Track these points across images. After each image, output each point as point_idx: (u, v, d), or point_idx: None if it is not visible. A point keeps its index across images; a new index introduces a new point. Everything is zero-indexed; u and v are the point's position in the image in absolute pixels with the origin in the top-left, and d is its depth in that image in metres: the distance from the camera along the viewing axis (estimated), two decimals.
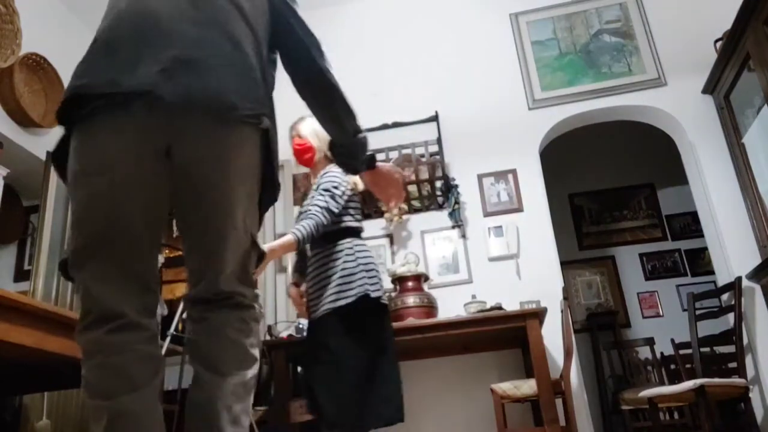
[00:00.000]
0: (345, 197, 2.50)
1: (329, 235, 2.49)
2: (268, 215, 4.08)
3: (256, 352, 1.31)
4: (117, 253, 1.17)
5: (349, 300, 2.36)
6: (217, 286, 1.26)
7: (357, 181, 2.50)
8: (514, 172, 3.90)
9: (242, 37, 1.30)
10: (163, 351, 2.73)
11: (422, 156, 3.98)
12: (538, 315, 3.00)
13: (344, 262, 2.43)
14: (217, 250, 1.24)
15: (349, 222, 2.55)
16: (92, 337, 1.15)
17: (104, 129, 1.14)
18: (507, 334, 3.18)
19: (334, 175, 2.52)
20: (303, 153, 2.70)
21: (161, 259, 4.86)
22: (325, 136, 1.85)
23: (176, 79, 1.13)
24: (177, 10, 1.24)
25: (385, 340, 2.42)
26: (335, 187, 2.48)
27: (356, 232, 2.57)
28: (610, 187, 6.13)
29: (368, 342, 2.36)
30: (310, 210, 2.43)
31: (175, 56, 1.15)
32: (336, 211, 2.45)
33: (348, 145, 1.62)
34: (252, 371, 1.29)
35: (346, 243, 2.49)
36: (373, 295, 2.40)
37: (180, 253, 6.21)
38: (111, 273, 1.17)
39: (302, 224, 2.38)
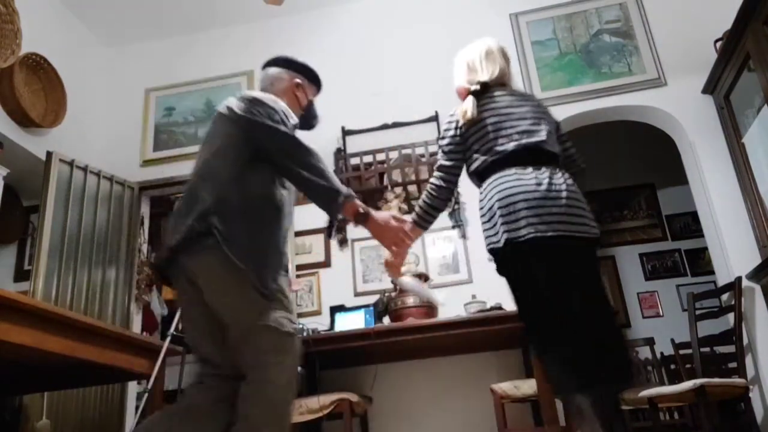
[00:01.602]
0: (448, 145, 2.09)
1: (475, 180, 2.10)
2: None
3: None
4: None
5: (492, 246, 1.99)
6: None
7: (467, 109, 2.04)
8: None
9: (193, 187, 1.81)
10: (163, 351, 2.72)
11: (422, 156, 3.98)
12: None
13: (480, 210, 2.03)
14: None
15: (474, 164, 2.03)
16: None
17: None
18: (507, 334, 3.18)
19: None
20: None
21: None
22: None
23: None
24: None
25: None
26: (439, 139, 2.17)
27: (487, 171, 1.99)
28: (610, 187, 6.13)
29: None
30: None
31: None
32: (447, 163, 2.09)
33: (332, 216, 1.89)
34: None
35: (482, 187, 2.02)
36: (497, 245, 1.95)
37: None
38: None
39: (417, 204, 2.17)
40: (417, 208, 2.16)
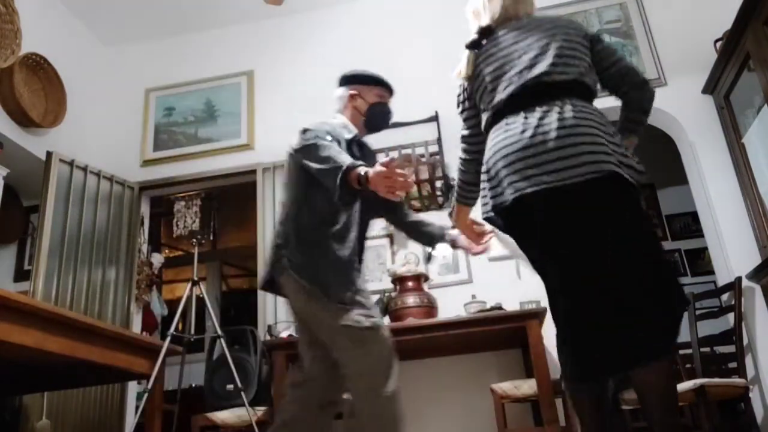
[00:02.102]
0: (462, 113, 1.93)
1: None
2: (268, 215, 4.08)
3: None
4: None
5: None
6: None
7: (459, 67, 1.88)
8: None
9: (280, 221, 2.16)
10: (163, 351, 2.73)
11: (422, 156, 3.98)
12: (538, 315, 3.00)
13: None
14: None
15: (484, 126, 1.81)
16: None
17: None
18: (507, 334, 3.18)
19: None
20: None
21: (161, 258, 4.87)
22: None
23: None
24: None
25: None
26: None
27: (490, 126, 1.74)
28: None
29: None
30: None
31: None
32: (465, 132, 1.94)
33: None
34: None
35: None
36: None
37: (180, 252, 6.23)
38: None
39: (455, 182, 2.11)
40: (456, 187, 2.09)
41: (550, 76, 1.63)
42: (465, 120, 1.92)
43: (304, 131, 2.07)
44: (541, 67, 1.64)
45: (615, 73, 1.77)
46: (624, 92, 1.75)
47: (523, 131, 1.56)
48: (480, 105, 1.81)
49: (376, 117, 2.27)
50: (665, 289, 1.54)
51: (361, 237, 2.12)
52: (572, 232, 1.52)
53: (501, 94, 1.67)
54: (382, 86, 2.30)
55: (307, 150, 1.98)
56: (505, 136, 1.62)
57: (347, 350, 1.90)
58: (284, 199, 2.15)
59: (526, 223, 1.62)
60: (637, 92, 1.74)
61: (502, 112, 1.68)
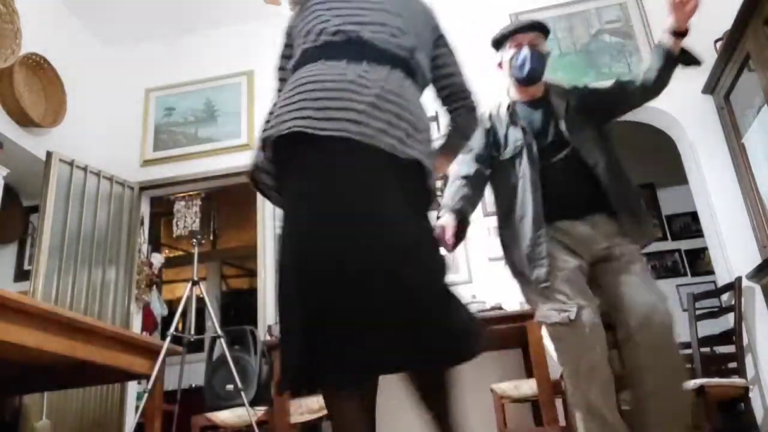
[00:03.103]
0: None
1: None
2: (268, 215, 4.08)
3: None
4: None
5: None
6: None
7: None
8: None
9: None
10: (163, 351, 2.72)
11: None
12: None
13: None
14: None
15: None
16: None
17: None
18: (507, 334, 3.18)
19: None
20: None
21: (161, 258, 4.87)
22: None
23: None
24: None
25: None
26: None
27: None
28: None
29: None
30: None
31: None
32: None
33: None
34: None
35: None
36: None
37: (180, 252, 6.23)
38: None
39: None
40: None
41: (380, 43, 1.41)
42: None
43: None
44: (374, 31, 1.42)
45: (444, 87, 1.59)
46: (455, 109, 1.60)
47: (341, 73, 1.31)
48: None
49: (517, 71, 2.08)
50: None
51: (552, 201, 1.90)
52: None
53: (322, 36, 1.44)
54: (508, 38, 2.13)
55: None
56: (318, 72, 1.36)
57: (553, 347, 1.93)
58: None
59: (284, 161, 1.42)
60: (467, 116, 1.61)
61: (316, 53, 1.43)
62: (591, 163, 1.95)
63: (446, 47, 1.64)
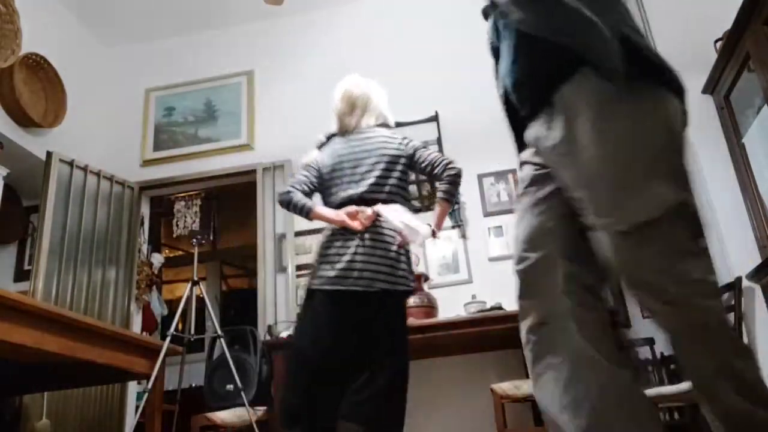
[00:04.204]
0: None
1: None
2: (268, 215, 4.09)
3: None
4: None
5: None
6: None
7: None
8: (514, 172, 3.89)
9: None
10: (163, 351, 2.73)
11: None
12: None
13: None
14: None
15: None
16: None
17: None
18: (507, 334, 3.17)
19: None
20: None
21: (161, 258, 4.87)
22: None
23: None
24: None
25: None
26: None
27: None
28: None
29: None
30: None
31: None
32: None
33: None
34: None
35: None
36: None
37: (180, 252, 6.23)
38: None
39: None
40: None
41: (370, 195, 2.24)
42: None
43: None
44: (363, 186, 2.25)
45: (426, 170, 2.35)
46: (440, 183, 2.30)
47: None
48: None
49: None
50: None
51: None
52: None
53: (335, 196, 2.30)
54: None
55: None
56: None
57: None
58: None
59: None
60: (450, 185, 2.29)
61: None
62: None
63: (417, 153, 2.47)
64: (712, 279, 1.02)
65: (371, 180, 2.24)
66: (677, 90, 1.11)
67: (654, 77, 1.09)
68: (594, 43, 1.09)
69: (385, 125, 2.47)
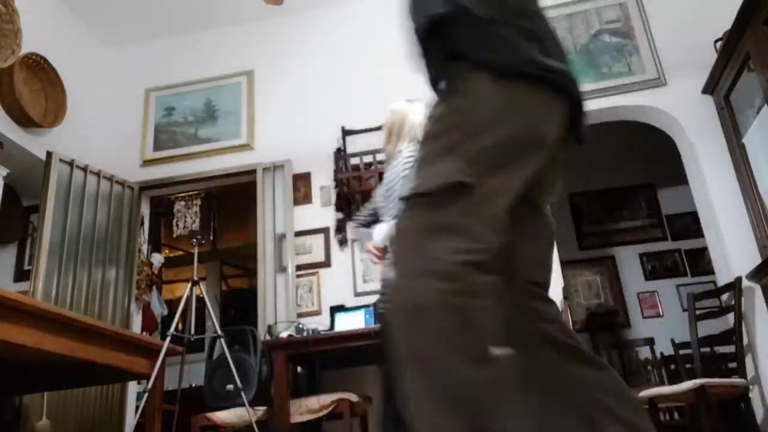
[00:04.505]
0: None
1: None
2: (268, 215, 4.08)
3: None
4: None
5: None
6: None
7: None
8: None
9: None
10: (163, 351, 2.72)
11: None
12: None
13: None
14: None
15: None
16: None
17: None
18: None
19: None
20: None
21: (161, 258, 4.87)
22: None
23: None
24: None
25: None
26: None
27: None
28: (610, 187, 6.13)
29: None
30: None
31: None
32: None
33: None
34: None
35: None
36: None
37: (180, 252, 6.23)
38: None
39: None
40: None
41: None
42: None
43: None
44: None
45: None
46: None
47: None
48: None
49: None
50: None
51: None
52: None
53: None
54: None
55: None
56: None
57: None
58: None
59: None
60: None
61: None
62: None
63: None
64: (457, 259, 0.86)
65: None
66: (545, 80, 1.01)
67: (498, 60, 1.00)
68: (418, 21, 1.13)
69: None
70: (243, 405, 3.03)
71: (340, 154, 4.14)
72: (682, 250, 5.88)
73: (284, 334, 3.28)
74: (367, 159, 4.08)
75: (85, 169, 4.04)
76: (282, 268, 3.95)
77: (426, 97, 1.15)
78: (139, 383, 3.97)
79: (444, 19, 1.07)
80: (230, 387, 3.18)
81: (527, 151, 0.97)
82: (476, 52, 1.02)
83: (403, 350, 0.84)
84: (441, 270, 0.84)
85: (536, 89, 1.00)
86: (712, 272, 4.11)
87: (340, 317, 3.45)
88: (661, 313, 5.69)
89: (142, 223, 4.43)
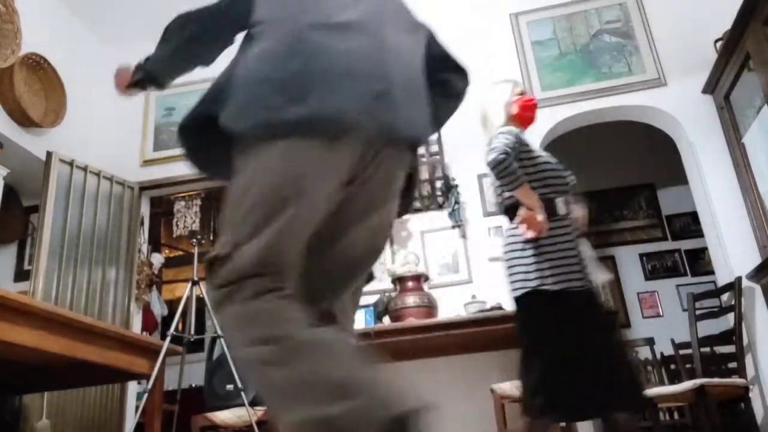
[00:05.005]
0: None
1: None
2: None
3: None
4: None
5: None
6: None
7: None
8: None
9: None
10: (163, 351, 2.72)
11: (422, 156, 3.98)
12: None
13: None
14: None
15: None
16: None
17: None
18: (507, 334, 3.17)
19: None
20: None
21: (161, 258, 4.87)
22: None
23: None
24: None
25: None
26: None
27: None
28: (610, 187, 6.13)
29: None
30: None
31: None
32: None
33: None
34: None
35: None
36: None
37: (180, 252, 6.23)
38: None
39: None
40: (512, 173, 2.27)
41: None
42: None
43: None
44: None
45: None
46: None
47: None
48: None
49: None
50: None
51: None
52: None
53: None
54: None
55: None
56: None
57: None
58: None
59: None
60: None
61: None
62: None
63: None
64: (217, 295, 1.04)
65: None
66: (305, 132, 1.07)
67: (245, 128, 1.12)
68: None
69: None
70: (243, 405, 3.03)
71: None
72: (682, 250, 5.88)
73: None
74: None
75: (85, 169, 4.03)
76: None
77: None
78: (139, 383, 3.96)
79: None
80: (230, 387, 3.18)
81: (286, 206, 1.04)
82: (234, 125, 1.13)
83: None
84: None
85: (293, 145, 1.06)
86: (712, 272, 4.11)
87: None
88: (661, 313, 5.69)
89: (142, 223, 4.43)
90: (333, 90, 1.09)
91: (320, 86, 1.08)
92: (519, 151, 2.30)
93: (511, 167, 2.20)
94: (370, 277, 1.35)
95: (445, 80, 1.52)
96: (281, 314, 0.99)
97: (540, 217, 2.21)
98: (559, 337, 2.17)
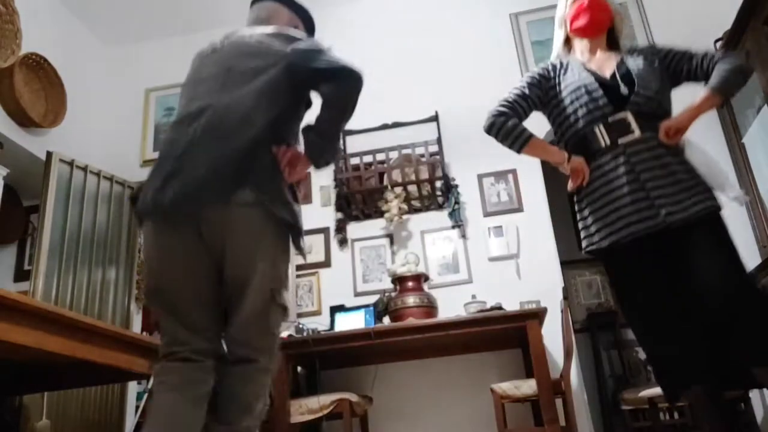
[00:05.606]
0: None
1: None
2: None
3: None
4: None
5: None
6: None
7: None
8: (514, 172, 3.90)
9: None
10: None
11: (422, 156, 3.98)
12: (538, 315, 3.00)
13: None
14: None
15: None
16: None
17: None
18: (507, 334, 3.18)
19: None
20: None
21: None
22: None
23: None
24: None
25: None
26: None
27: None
28: None
29: None
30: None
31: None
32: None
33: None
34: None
35: None
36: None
37: None
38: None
39: None
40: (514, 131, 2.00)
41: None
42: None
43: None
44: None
45: None
46: None
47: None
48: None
49: None
50: None
51: None
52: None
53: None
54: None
55: None
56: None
57: (273, 331, 1.79)
58: None
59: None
60: None
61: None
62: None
63: None
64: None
65: None
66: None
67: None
68: None
69: None
70: None
71: (341, 154, 4.14)
72: None
73: (284, 334, 3.28)
74: (367, 159, 4.08)
75: (85, 169, 4.03)
76: None
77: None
78: (139, 383, 3.96)
79: None
80: None
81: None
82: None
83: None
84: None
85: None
86: None
87: (340, 317, 3.45)
88: None
89: None
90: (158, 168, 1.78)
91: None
92: (544, 90, 1.99)
93: (504, 128, 1.94)
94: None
95: (321, 93, 1.78)
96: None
97: (571, 165, 1.88)
98: (633, 302, 1.85)
